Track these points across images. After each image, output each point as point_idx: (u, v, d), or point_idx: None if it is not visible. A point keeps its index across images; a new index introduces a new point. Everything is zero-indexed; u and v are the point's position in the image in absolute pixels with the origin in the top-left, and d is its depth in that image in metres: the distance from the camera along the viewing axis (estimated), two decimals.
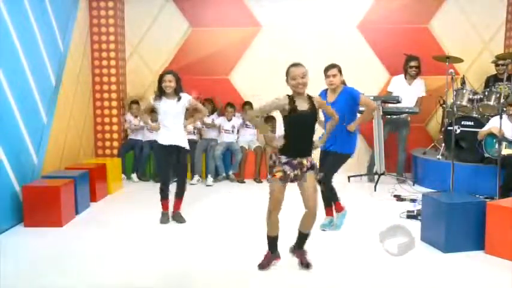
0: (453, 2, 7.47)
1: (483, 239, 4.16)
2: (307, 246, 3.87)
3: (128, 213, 5.44)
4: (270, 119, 7.15)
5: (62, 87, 6.25)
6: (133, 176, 7.19)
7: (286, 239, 3.84)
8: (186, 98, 5.02)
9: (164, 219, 5.06)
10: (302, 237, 3.80)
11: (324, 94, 4.78)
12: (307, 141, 3.66)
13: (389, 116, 6.88)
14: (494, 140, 5.66)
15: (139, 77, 7.74)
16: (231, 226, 4.95)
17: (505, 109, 5.65)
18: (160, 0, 7.63)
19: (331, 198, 4.82)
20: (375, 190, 6.39)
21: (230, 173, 7.21)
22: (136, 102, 7.48)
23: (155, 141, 5.07)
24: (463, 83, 6.69)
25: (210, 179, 6.97)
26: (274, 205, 3.61)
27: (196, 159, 7.09)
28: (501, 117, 5.30)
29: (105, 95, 7.48)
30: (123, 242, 4.50)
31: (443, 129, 6.76)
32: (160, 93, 4.93)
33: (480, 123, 6.13)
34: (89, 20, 7.32)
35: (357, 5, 7.55)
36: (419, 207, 5.07)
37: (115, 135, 7.56)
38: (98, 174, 5.97)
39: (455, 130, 6.01)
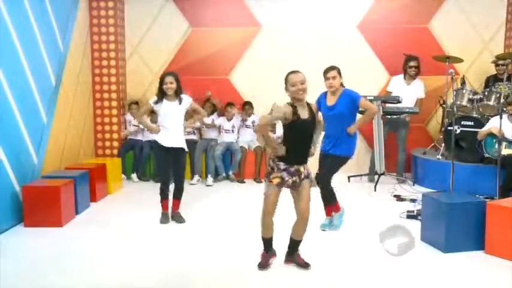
0: (453, 2, 7.47)
1: (483, 239, 4.16)
2: (306, 246, 3.88)
3: (128, 213, 5.44)
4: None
5: (62, 87, 6.25)
6: (133, 176, 7.19)
7: (285, 238, 3.84)
8: (188, 101, 5.03)
9: (164, 220, 5.07)
10: (294, 244, 3.82)
11: (323, 97, 4.78)
12: (305, 148, 3.67)
13: (389, 116, 6.88)
14: (494, 140, 5.66)
15: (139, 77, 7.74)
16: (231, 226, 4.95)
17: (505, 109, 5.65)
18: (160, 0, 7.63)
19: (329, 200, 4.82)
20: (375, 190, 6.40)
21: (230, 173, 7.21)
22: (136, 102, 7.49)
23: (155, 142, 5.07)
24: (463, 83, 6.69)
25: (210, 179, 6.98)
26: (270, 208, 3.62)
27: (196, 159, 7.09)
28: (501, 117, 5.30)
29: (105, 95, 7.48)
30: (123, 242, 4.50)
31: (443, 129, 6.76)
32: (162, 95, 4.92)
33: (480, 123, 6.13)
34: (89, 20, 7.32)
35: (357, 5, 7.55)
36: (419, 207, 5.07)
37: (115, 135, 7.56)
38: (98, 174, 5.98)
39: (455, 130, 6.00)
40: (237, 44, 7.68)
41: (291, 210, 3.76)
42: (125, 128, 7.61)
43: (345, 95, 4.65)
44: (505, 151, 5.53)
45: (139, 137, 7.41)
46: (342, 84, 4.72)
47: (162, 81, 4.91)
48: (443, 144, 6.64)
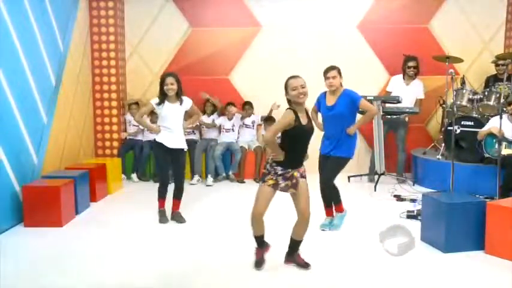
0: (453, 2, 7.47)
1: (483, 239, 4.16)
2: (306, 246, 3.88)
3: (128, 213, 5.44)
4: (270, 121, 7.16)
5: (62, 87, 6.25)
6: (133, 176, 7.19)
7: (285, 239, 3.85)
8: (188, 103, 5.04)
9: (163, 219, 5.06)
10: (295, 245, 3.82)
11: (323, 97, 4.78)
12: (303, 153, 3.68)
13: (389, 116, 6.88)
14: (494, 140, 5.66)
15: (139, 77, 7.74)
16: (231, 226, 4.95)
17: (505, 109, 5.65)
18: (160, 0, 7.63)
19: (333, 200, 4.82)
20: (375, 190, 6.40)
21: (230, 173, 7.22)
22: (136, 102, 7.49)
23: (155, 142, 5.06)
24: (463, 83, 6.69)
25: (210, 179, 6.98)
26: (262, 209, 3.61)
27: (196, 159, 7.09)
28: (501, 117, 5.30)
29: (105, 95, 7.48)
30: (123, 242, 4.50)
31: (443, 129, 6.76)
32: (163, 96, 4.91)
33: (480, 123, 6.12)
34: (89, 20, 7.33)
35: (357, 5, 7.55)
36: (419, 207, 5.07)
37: (115, 135, 7.56)
38: (98, 174, 5.98)
39: (455, 130, 6.01)
40: (237, 44, 7.68)
41: (291, 210, 3.76)
42: (125, 130, 7.62)
43: (345, 95, 4.64)
44: (505, 151, 5.53)
45: (139, 137, 7.42)
46: (341, 85, 4.72)
47: (162, 82, 4.90)
48: (443, 144, 6.64)
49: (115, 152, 7.51)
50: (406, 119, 7.05)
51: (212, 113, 7.45)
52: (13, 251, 4.24)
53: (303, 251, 3.87)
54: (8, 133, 4.90)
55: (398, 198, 5.99)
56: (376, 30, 7.55)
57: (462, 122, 6.31)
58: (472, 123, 6.25)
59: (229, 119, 7.36)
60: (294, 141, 3.58)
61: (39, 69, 5.61)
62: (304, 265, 3.80)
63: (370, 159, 7.09)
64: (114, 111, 7.52)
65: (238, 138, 7.44)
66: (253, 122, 7.46)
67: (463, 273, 3.78)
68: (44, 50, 5.73)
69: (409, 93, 6.95)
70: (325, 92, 4.78)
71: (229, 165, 7.28)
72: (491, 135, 5.70)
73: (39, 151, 5.58)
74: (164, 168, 5.09)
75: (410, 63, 6.98)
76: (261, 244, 3.80)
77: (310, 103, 4.72)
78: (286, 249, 3.87)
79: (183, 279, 3.67)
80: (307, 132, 3.64)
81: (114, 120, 7.54)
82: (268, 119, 7.22)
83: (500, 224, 4.04)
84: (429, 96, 7.22)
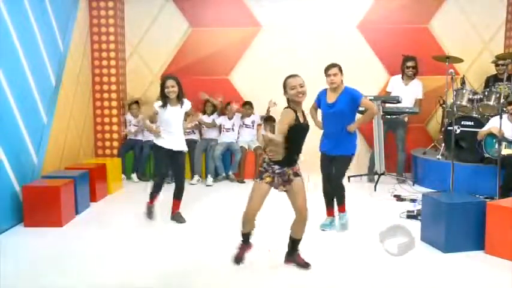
0: (453, 2, 7.47)
1: (483, 239, 4.16)
2: (306, 246, 3.88)
3: (128, 213, 5.44)
4: (270, 121, 7.16)
5: (62, 87, 6.25)
6: (133, 176, 7.19)
7: (284, 241, 3.85)
8: (188, 105, 5.06)
9: (150, 215, 5.02)
10: (294, 244, 3.82)
11: (323, 94, 4.77)
12: (298, 152, 3.69)
13: (388, 116, 6.88)
14: (494, 140, 5.66)
15: (139, 77, 7.74)
16: (230, 226, 4.93)
17: (505, 109, 5.65)
18: (160, 0, 7.62)
19: (338, 200, 4.81)
20: (375, 190, 6.40)
21: (230, 173, 7.22)
22: (136, 102, 7.49)
23: (154, 144, 5.04)
24: (463, 83, 6.69)
25: (210, 179, 6.98)
26: (257, 207, 3.62)
27: (196, 159, 7.09)
28: (501, 117, 5.30)
29: (105, 95, 7.48)
30: (123, 242, 4.50)
31: (443, 129, 6.76)
32: (165, 99, 4.90)
33: (480, 123, 6.13)
34: (89, 20, 7.33)
35: (357, 5, 7.55)
36: (419, 207, 5.07)
37: (115, 135, 7.56)
38: (98, 174, 5.98)
39: (455, 130, 6.01)
40: (237, 44, 7.68)
41: (290, 210, 3.76)
42: (125, 128, 7.61)
43: (346, 92, 4.64)
44: (505, 151, 5.53)
45: (139, 137, 7.42)
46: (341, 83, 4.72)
47: (163, 85, 4.89)
48: (443, 144, 6.64)
49: (115, 152, 7.51)
50: (406, 119, 7.05)
51: (212, 113, 7.45)
52: (13, 251, 4.24)
53: (303, 251, 3.87)
54: (8, 133, 4.90)
55: (398, 198, 5.99)
56: (376, 30, 7.55)
57: (462, 122, 6.31)
58: (472, 123, 6.25)
59: (230, 118, 7.37)
60: (292, 140, 3.57)
61: (39, 69, 5.61)
62: (304, 265, 3.80)
63: (369, 158, 7.10)
64: (114, 111, 7.52)
65: (238, 138, 7.44)
66: (253, 122, 7.46)
67: (463, 273, 3.79)
68: (44, 50, 5.73)
69: (408, 93, 6.95)
70: (325, 89, 4.77)
71: (229, 165, 7.28)
72: (491, 135, 5.70)
73: (39, 151, 5.58)
74: (162, 169, 5.09)
75: (409, 63, 6.98)
76: (247, 241, 3.81)
77: (309, 102, 4.74)
78: (286, 249, 3.87)
79: (183, 279, 3.67)
80: (305, 130, 3.65)
81: (114, 120, 7.54)
82: (268, 119, 7.22)
83: (500, 224, 4.04)
84: (429, 96, 7.22)
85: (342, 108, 4.60)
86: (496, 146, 5.60)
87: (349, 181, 6.92)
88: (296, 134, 3.57)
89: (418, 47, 7.30)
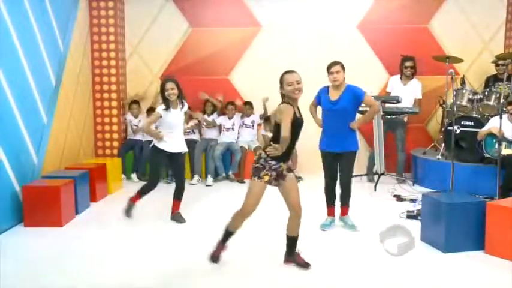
0: (453, 2, 7.47)
1: (483, 239, 4.16)
2: (306, 246, 3.87)
3: None
4: (270, 121, 7.15)
5: (62, 87, 6.25)
6: (133, 176, 7.19)
7: (283, 241, 3.85)
8: (186, 105, 5.08)
9: (128, 213, 4.95)
10: (292, 241, 3.81)
11: (325, 91, 4.76)
12: (293, 147, 3.68)
13: (388, 116, 6.88)
14: (494, 140, 5.66)
15: (139, 77, 7.74)
16: None
17: (505, 109, 5.65)
18: (160, 0, 7.62)
19: (345, 200, 4.81)
20: (375, 190, 6.39)
21: (230, 173, 7.22)
22: (136, 102, 7.49)
23: (155, 147, 5.00)
24: (463, 83, 6.69)
25: (210, 179, 6.98)
26: (254, 206, 3.62)
27: (196, 159, 7.09)
28: (501, 117, 5.30)
29: (105, 95, 7.48)
30: (123, 242, 4.50)
31: (443, 129, 6.76)
32: (167, 102, 4.88)
33: (480, 123, 6.12)
34: (89, 20, 7.33)
35: (357, 5, 7.55)
36: (419, 207, 5.07)
37: (115, 135, 7.56)
38: (98, 174, 5.98)
39: (455, 130, 6.01)
40: (237, 44, 7.68)
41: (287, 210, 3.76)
42: (125, 130, 7.64)
43: (349, 90, 4.64)
44: (505, 151, 5.53)
45: (139, 137, 7.42)
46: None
47: (163, 88, 4.89)
48: (443, 144, 6.64)
49: (115, 152, 7.51)
50: (405, 119, 7.05)
51: (212, 113, 7.45)
52: (13, 251, 4.24)
53: (303, 251, 3.87)
54: (8, 133, 4.90)
55: (398, 198, 5.99)
56: (376, 30, 7.55)
57: (462, 122, 6.31)
58: (472, 123, 6.25)
59: (230, 118, 7.37)
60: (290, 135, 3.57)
61: (39, 69, 5.61)
62: (304, 265, 3.79)
63: (368, 158, 7.10)
64: (114, 111, 7.52)
65: (238, 138, 7.45)
66: (253, 122, 7.47)
67: (463, 273, 3.79)
68: (44, 50, 5.73)
69: (407, 93, 6.95)
70: (327, 87, 4.77)
71: (229, 165, 7.29)
72: (491, 135, 5.70)
73: (39, 151, 5.58)
74: (158, 170, 5.10)
75: (407, 63, 6.99)
76: (226, 241, 3.80)
77: (308, 101, 4.74)
78: (285, 249, 3.86)
79: (183, 279, 3.67)
80: (301, 125, 3.65)
81: (114, 120, 7.54)
82: (268, 118, 7.22)
83: (500, 224, 4.04)
84: (429, 96, 7.22)
85: (345, 106, 4.60)
86: (496, 146, 5.60)
87: None
88: (294, 129, 3.56)
89: (418, 47, 7.30)
